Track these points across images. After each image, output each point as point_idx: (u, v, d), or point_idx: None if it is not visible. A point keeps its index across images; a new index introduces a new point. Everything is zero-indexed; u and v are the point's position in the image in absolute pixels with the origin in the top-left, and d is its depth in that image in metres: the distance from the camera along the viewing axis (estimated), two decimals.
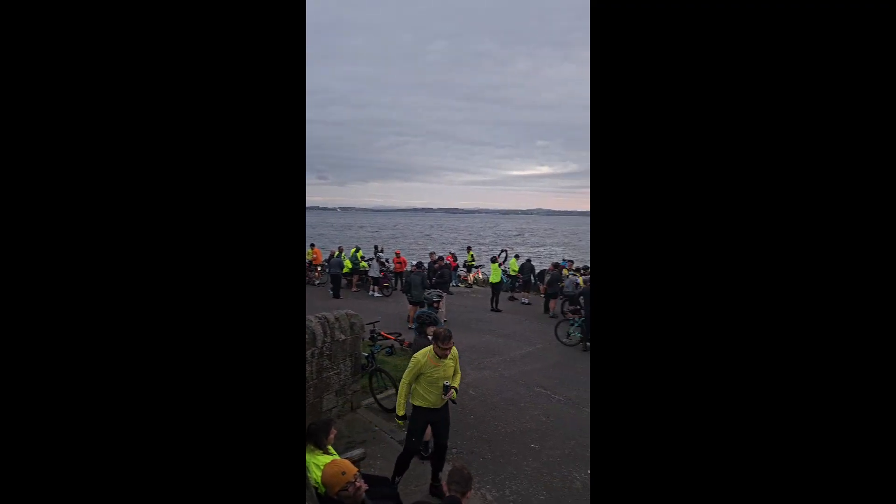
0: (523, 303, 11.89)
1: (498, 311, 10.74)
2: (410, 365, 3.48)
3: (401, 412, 3.52)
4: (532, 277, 12.75)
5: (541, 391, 5.92)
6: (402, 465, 3.61)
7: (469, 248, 15.88)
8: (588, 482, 3.89)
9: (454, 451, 4.26)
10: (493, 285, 11.11)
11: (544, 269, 12.61)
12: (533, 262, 12.96)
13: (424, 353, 3.46)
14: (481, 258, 16.34)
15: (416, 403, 3.53)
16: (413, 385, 3.52)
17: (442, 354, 3.43)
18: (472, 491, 2.85)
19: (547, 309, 10.64)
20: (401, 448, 4.33)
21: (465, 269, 15.11)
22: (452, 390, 3.52)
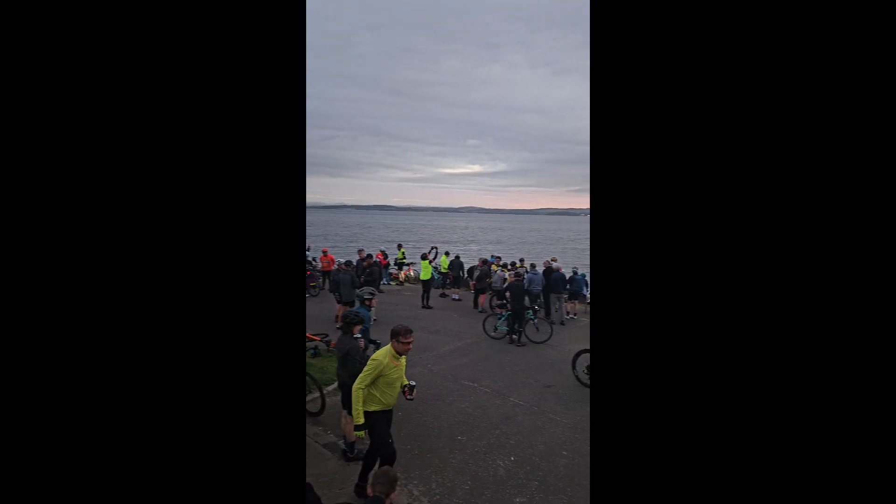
0: (454, 299, 12.10)
1: (429, 307, 10.83)
2: (369, 368, 3.26)
3: (361, 420, 3.25)
4: (461, 274, 13.03)
5: (468, 384, 6.07)
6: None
7: (400, 246, 15.80)
8: (511, 468, 4.08)
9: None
10: (424, 282, 11.18)
11: (474, 266, 12.93)
12: (464, 259, 13.23)
13: (385, 354, 3.30)
14: (413, 256, 16.35)
15: (373, 409, 3.31)
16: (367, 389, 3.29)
17: (403, 351, 3.33)
18: (398, 490, 2.85)
19: (476, 304, 10.93)
20: (326, 452, 4.21)
21: (396, 267, 15.02)
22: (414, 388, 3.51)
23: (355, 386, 3.26)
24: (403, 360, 3.43)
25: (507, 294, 8.59)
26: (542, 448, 4.45)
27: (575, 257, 34.05)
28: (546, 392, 5.93)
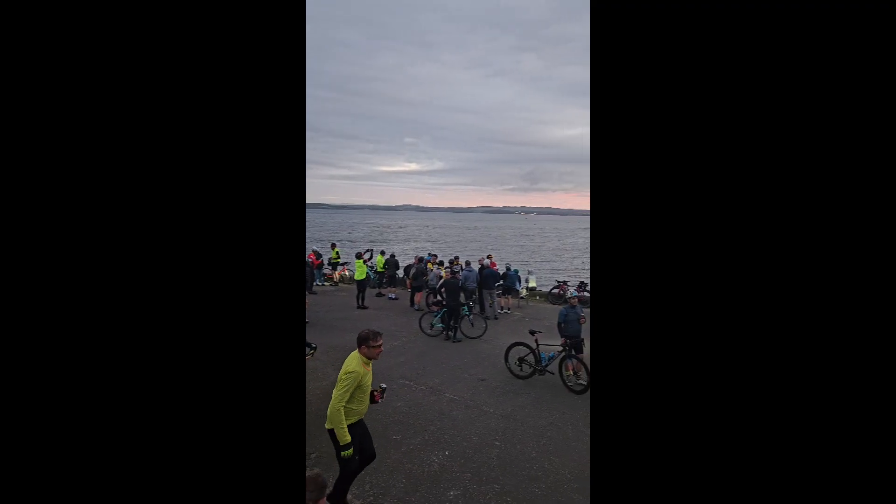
0: (390, 298, 12.00)
1: (364, 308, 10.64)
2: (346, 382, 3.07)
3: (348, 438, 3.07)
4: (397, 272, 12.96)
5: (404, 383, 6.06)
6: (342, 493, 3.26)
7: (334, 245, 15.37)
8: (445, 463, 4.14)
9: (313, 455, 4.10)
10: (359, 282, 10.96)
11: (410, 264, 12.91)
12: (399, 258, 13.14)
13: (357, 363, 3.15)
14: (349, 255, 15.97)
15: (350, 421, 3.15)
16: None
17: (374, 355, 3.22)
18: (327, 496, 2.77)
19: (412, 302, 10.93)
20: None
21: (330, 267, 14.58)
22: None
23: (335, 405, 3.06)
24: (371, 364, 3.35)
25: (443, 291, 8.69)
26: (475, 440, 4.57)
27: (509, 254, 35.30)
28: (480, 386, 6.09)
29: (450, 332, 8.31)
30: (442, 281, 9.51)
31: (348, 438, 3.08)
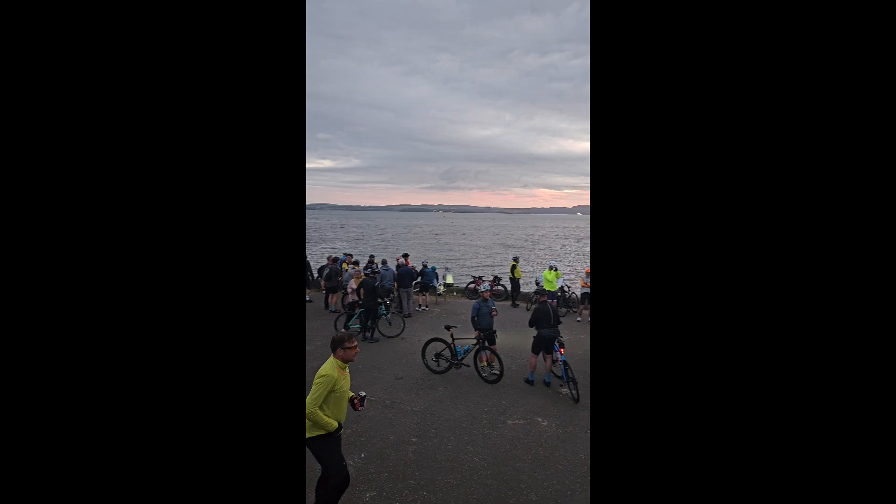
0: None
1: None
2: (320, 385, 2.93)
3: (335, 424, 3.00)
4: (311, 274, 12.40)
5: None
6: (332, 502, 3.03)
7: None
8: (361, 465, 4.07)
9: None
10: None
11: (324, 265, 12.43)
12: (311, 259, 12.56)
13: (331, 366, 3.01)
14: None
15: (322, 431, 2.97)
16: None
17: (350, 358, 3.06)
18: None
19: (327, 304, 10.55)
20: None
21: None
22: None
23: (311, 409, 2.89)
24: (347, 369, 3.19)
25: (361, 291, 8.51)
26: (392, 439, 4.55)
27: (428, 251, 35.67)
28: (397, 384, 6.08)
29: (367, 333, 8.17)
30: (358, 281, 9.31)
31: (335, 424, 3.02)
